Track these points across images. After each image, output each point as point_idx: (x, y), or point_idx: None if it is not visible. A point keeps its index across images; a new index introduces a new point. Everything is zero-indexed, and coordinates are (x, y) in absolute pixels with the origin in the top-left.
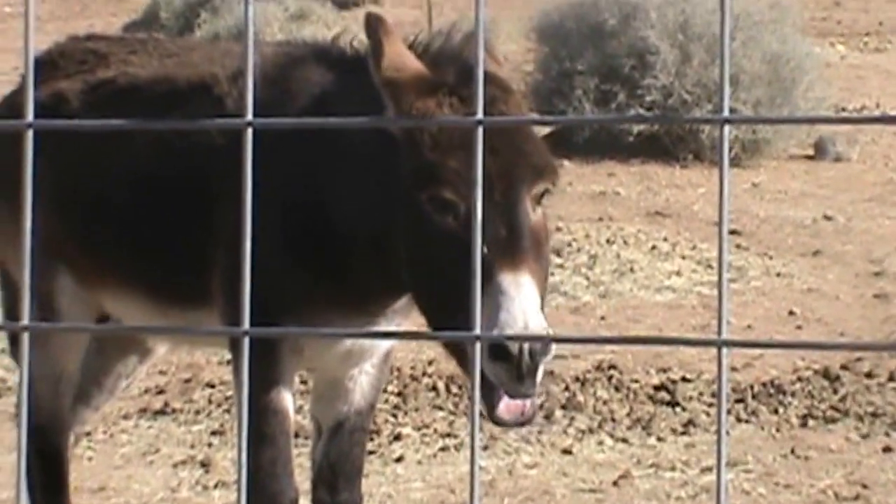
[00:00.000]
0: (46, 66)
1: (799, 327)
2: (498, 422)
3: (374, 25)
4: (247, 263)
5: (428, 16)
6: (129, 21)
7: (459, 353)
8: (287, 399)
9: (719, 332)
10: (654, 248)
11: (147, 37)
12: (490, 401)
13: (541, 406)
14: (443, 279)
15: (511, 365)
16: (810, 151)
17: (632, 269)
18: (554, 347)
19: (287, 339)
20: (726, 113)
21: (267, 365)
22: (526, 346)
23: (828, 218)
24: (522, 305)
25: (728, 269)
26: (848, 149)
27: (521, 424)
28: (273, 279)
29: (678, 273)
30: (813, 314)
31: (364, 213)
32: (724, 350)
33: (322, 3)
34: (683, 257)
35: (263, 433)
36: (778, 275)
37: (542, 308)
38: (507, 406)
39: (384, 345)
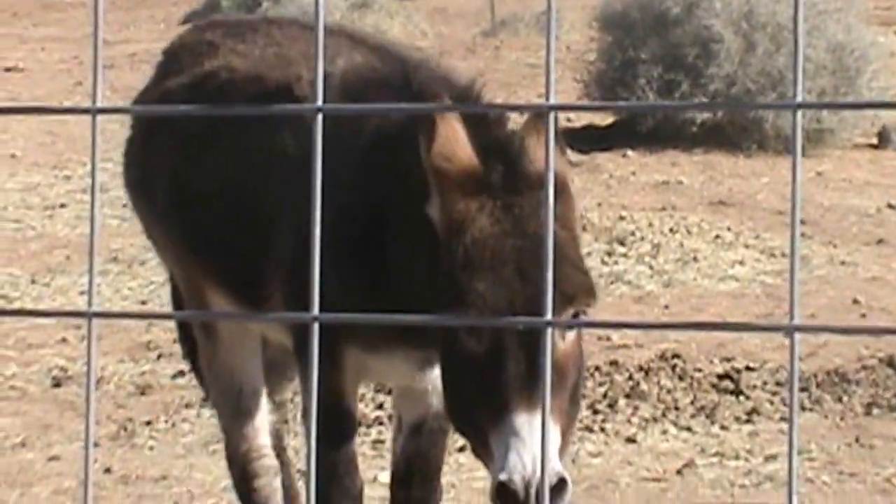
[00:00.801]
0: (169, 59)
1: (863, 316)
2: None
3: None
4: (316, 247)
5: (490, 5)
6: (191, 11)
7: (483, 462)
8: (351, 405)
9: (791, 318)
10: (717, 237)
11: (261, 21)
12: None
13: (605, 395)
14: (462, 402)
15: None
16: (874, 140)
17: (695, 259)
18: (570, 493)
19: (351, 356)
20: (799, 98)
21: (331, 375)
22: (533, 490)
23: (892, 206)
24: (534, 450)
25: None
26: None
27: None
28: (338, 302)
29: (741, 262)
30: (877, 303)
31: (416, 274)
32: (796, 336)
33: None
34: (747, 246)
35: (328, 436)
36: (842, 263)
37: (564, 443)
38: None
39: None
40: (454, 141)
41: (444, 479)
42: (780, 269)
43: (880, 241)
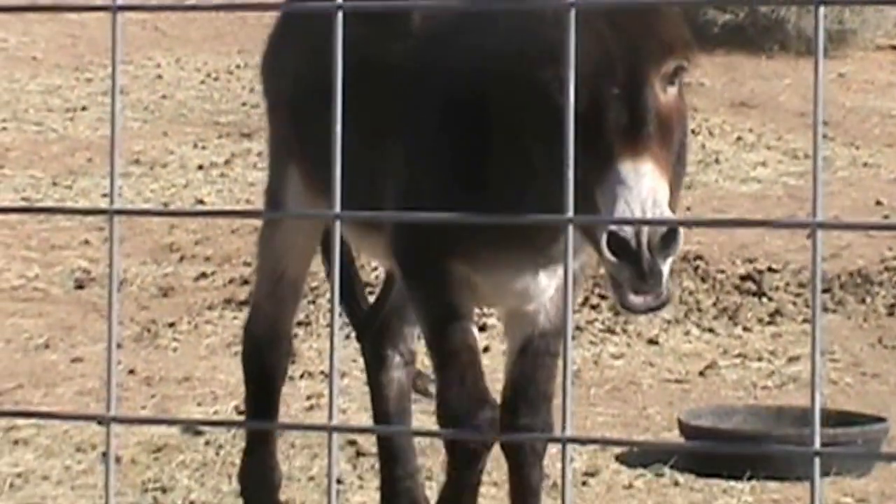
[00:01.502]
0: None
1: (886, 216)
2: (628, 309)
3: None
4: (338, 143)
5: None
6: None
7: (589, 237)
8: (466, 328)
9: (813, 214)
10: (739, 139)
11: None
12: (619, 295)
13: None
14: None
15: (632, 262)
16: None
17: (717, 161)
18: (681, 242)
19: (457, 275)
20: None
21: (440, 301)
22: (645, 239)
23: None
24: (642, 196)
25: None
26: None
27: (654, 309)
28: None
29: (764, 164)
30: None
31: (518, 115)
32: (819, 232)
33: None
34: (769, 148)
35: (448, 366)
36: (865, 165)
37: (672, 198)
38: (635, 299)
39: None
40: None
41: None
42: (802, 170)
43: None
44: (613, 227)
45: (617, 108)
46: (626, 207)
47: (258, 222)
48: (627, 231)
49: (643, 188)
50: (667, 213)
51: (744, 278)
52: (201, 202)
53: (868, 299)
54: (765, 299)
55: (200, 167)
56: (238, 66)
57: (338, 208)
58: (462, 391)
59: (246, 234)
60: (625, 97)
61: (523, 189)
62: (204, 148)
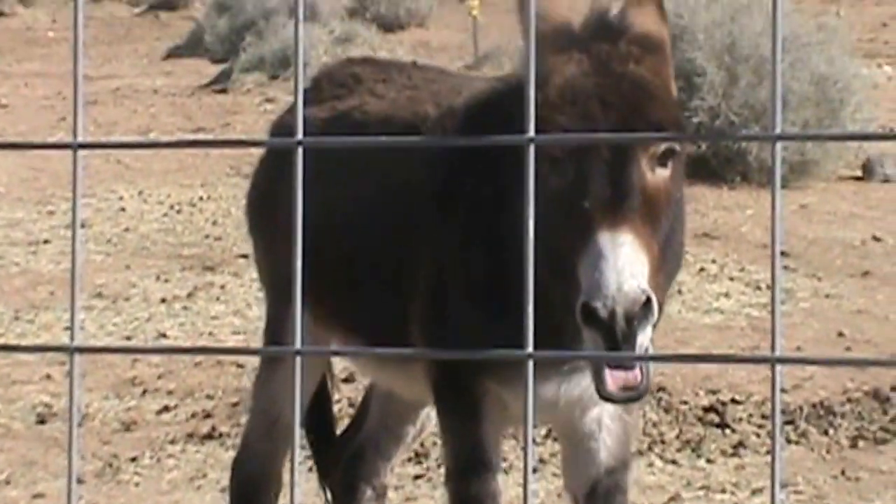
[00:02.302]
0: (314, 87)
1: (848, 349)
2: (607, 397)
3: None
4: (298, 275)
5: (473, 39)
6: (174, 45)
7: (562, 300)
8: (494, 459)
9: (773, 349)
10: (702, 269)
11: (408, 64)
12: (598, 376)
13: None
14: (547, 242)
15: (603, 331)
16: (859, 172)
17: (680, 291)
18: (656, 312)
19: (489, 393)
20: (778, 130)
21: (472, 421)
22: (620, 309)
23: (877, 239)
24: (618, 266)
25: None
26: None
27: (632, 399)
28: (472, 334)
29: (726, 295)
30: (862, 335)
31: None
32: (778, 367)
33: (367, 26)
34: (732, 279)
35: (466, 495)
36: (827, 296)
37: (658, 280)
38: (612, 379)
39: None
40: (550, 8)
41: None
42: (765, 301)
43: (865, 274)
44: (583, 299)
45: (601, 183)
46: (601, 276)
47: (220, 356)
48: (598, 302)
49: (619, 257)
50: (644, 286)
51: (707, 410)
52: (164, 336)
53: (831, 431)
54: (728, 431)
55: (163, 300)
56: (201, 199)
57: (298, 344)
58: None
59: (209, 367)
60: (609, 172)
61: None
62: (167, 281)
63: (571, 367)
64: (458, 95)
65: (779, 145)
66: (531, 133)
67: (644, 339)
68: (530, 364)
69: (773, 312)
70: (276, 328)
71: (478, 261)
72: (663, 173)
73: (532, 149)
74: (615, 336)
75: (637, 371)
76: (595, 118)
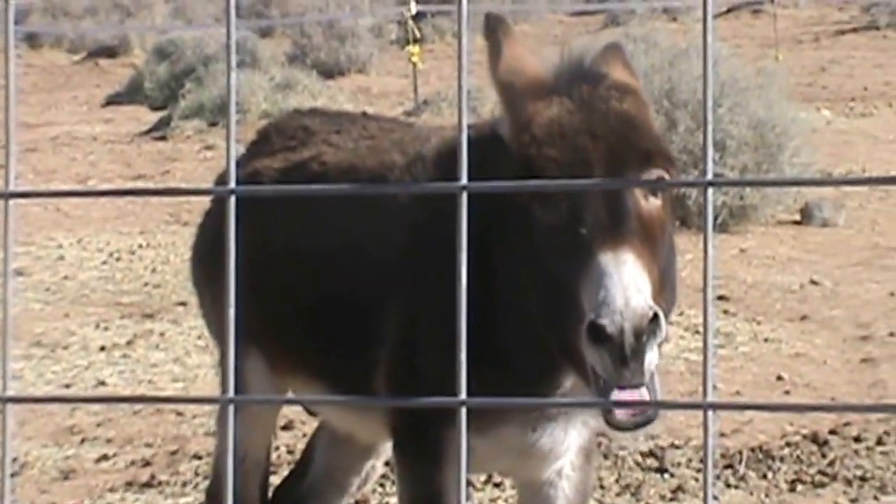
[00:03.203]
0: (262, 140)
1: (787, 392)
2: (614, 425)
3: (493, 25)
4: (231, 325)
5: (413, 85)
6: (113, 93)
7: (560, 339)
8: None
9: (704, 395)
10: None
11: (359, 115)
12: (604, 399)
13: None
14: (546, 280)
15: (612, 348)
16: (797, 217)
17: None
18: (665, 329)
19: (454, 440)
20: (709, 176)
21: (432, 468)
22: (628, 325)
23: (815, 283)
24: (623, 282)
25: (715, 335)
26: (835, 214)
27: (640, 425)
28: (440, 381)
29: (665, 339)
30: (801, 379)
31: (514, 265)
32: (710, 413)
33: (307, 73)
34: (671, 323)
35: None
36: (766, 340)
37: (656, 300)
38: (619, 402)
39: (577, 441)
40: (521, 58)
41: None
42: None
43: (804, 318)
44: (591, 317)
45: (596, 209)
46: (607, 293)
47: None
48: (605, 318)
49: (623, 274)
50: (650, 302)
51: (646, 455)
52: (103, 384)
53: (769, 475)
54: (667, 475)
55: (102, 348)
56: (140, 246)
57: (231, 392)
58: None
59: (148, 415)
60: (604, 199)
61: (521, 332)
62: (106, 329)
63: (544, 416)
64: (424, 143)
65: (710, 191)
66: (464, 181)
67: (652, 357)
68: (463, 411)
69: (704, 359)
70: (236, 372)
71: (450, 309)
72: (655, 202)
73: (465, 196)
74: (624, 353)
75: (645, 390)
76: (585, 149)
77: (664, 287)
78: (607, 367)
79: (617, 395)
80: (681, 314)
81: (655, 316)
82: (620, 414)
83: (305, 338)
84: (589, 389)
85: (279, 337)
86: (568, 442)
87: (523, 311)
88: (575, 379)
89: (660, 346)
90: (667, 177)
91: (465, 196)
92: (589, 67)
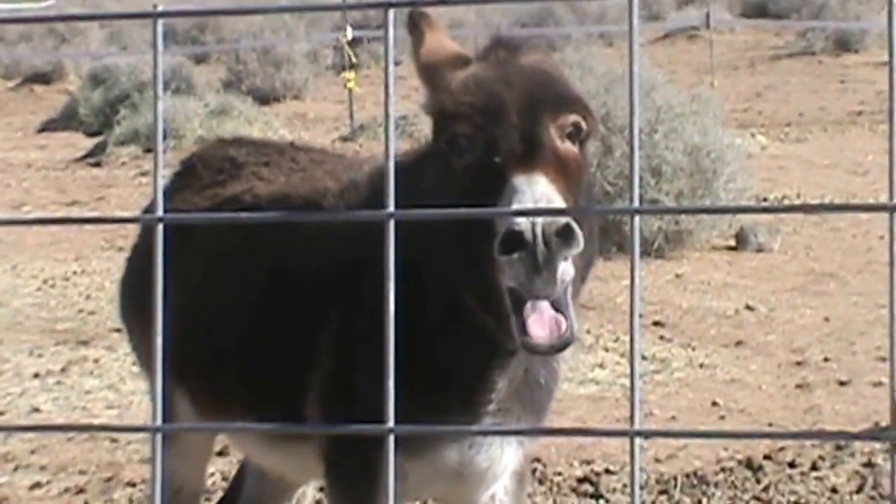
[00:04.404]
0: (187, 172)
1: (722, 417)
2: (530, 347)
3: (417, 20)
4: (159, 357)
5: (349, 111)
6: (48, 118)
7: (480, 287)
8: None
9: (631, 423)
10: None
11: (287, 145)
12: (520, 326)
13: None
14: (470, 223)
15: (525, 255)
16: (732, 242)
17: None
18: (580, 240)
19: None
20: (636, 203)
21: (366, 495)
22: (538, 229)
23: (750, 308)
24: (535, 196)
25: (651, 361)
26: (770, 239)
27: (557, 349)
28: (375, 407)
29: (601, 365)
30: (736, 405)
31: (440, 261)
32: (638, 440)
33: (243, 99)
34: (606, 349)
35: None
36: (701, 366)
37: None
38: (535, 322)
39: (512, 463)
40: (442, 41)
41: None
42: (640, 371)
43: (739, 343)
44: (508, 226)
45: (511, 140)
46: (519, 206)
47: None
48: (522, 222)
49: (536, 190)
50: (560, 219)
51: (581, 480)
52: (37, 410)
53: (704, 500)
54: (602, 501)
55: (36, 375)
56: (75, 273)
57: (159, 421)
58: None
59: (81, 442)
60: (519, 132)
61: (453, 335)
62: (40, 356)
63: (477, 439)
64: (356, 171)
65: (637, 218)
66: (391, 209)
67: (566, 269)
68: (391, 438)
69: (631, 386)
70: (163, 408)
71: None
72: (572, 148)
73: (392, 224)
74: (537, 260)
75: (563, 319)
76: (499, 94)
77: (581, 229)
78: (519, 276)
79: (529, 306)
80: (616, 340)
81: (567, 225)
82: (537, 335)
83: (233, 373)
84: (510, 335)
85: (206, 375)
86: (504, 462)
87: (454, 312)
88: (510, 377)
89: (575, 265)
90: (583, 123)
91: (392, 223)
92: (507, 39)
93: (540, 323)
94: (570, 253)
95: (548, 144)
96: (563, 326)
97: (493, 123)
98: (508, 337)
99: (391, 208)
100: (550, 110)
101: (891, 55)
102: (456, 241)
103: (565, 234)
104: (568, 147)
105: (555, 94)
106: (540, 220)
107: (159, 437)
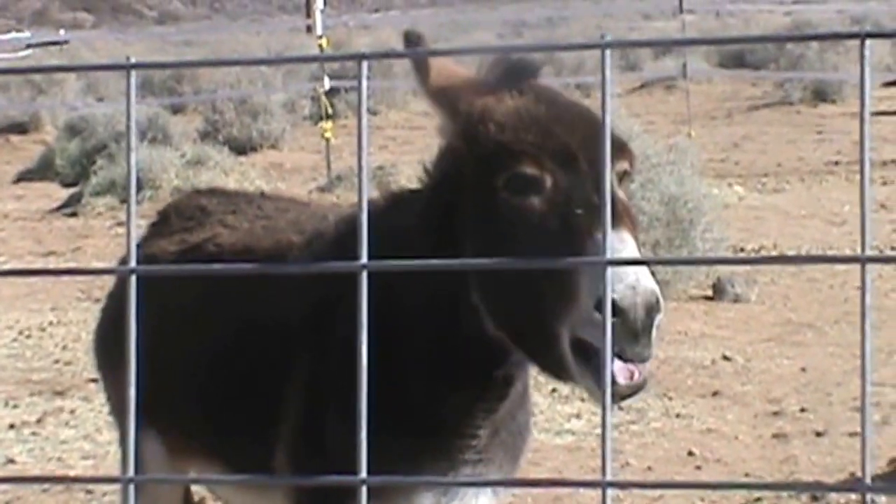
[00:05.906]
0: (161, 221)
1: (699, 468)
2: (616, 394)
3: (415, 42)
4: (131, 405)
5: (327, 161)
6: (24, 169)
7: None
8: None
9: (603, 474)
10: (553, 390)
11: (256, 195)
12: (594, 373)
13: None
14: (534, 275)
15: (624, 322)
16: (709, 292)
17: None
18: (663, 308)
19: None
20: (609, 255)
21: None
22: (640, 300)
23: (727, 358)
24: (637, 267)
25: (627, 410)
26: (747, 289)
27: (635, 392)
28: (346, 457)
29: (577, 416)
30: (712, 455)
31: (428, 292)
32: (610, 491)
33: (219, 149)
34: (583, 400)
35: None
36: (677, 416)
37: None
38: (619, 370)
39: (483, 500)
40: (448, 66)
41: None
42: (616, 422)
43: (715, 393)
44: (615, 297)
45: (585, 190)
46: (617, 270)
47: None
48: (627, 295)
49: (628, 251)
50: (651, 279)
51: None
52: (13, 461)
53: None
54: None
55: (12, 426)
56: (51, 323)
57: (131, 472)
58: None
59: (57, 493)
60: (591, 182)
61: (431, 384)
62: (15, 406)
63: (452, 488)
64: (321, 221)
65: (609, 270)
66: (364, 260)
67: (655, 336)
68: (363, 490)
69: (602, 437)
70: (135, 455)
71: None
72: (624, 195)
73: (365, 275)
74: (636, 327)
75: (641, 366)
76: (562, 138)
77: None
78: (618, 341)
79: (620, 366)
80: None
81: (657, 297)
82: (620, 378)
83: (203, 421)
84: (571, 378)
85: (177, 421)
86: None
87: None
88: (494, 423)
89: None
90: (629, 168)
91: (365, 275)
92: (525, 65)
93: (622, 371)
94: (660, 318)
95: (621, 197)
96: (639, 374)
97: (564, 169)
98: (568, 378)
99: (364, 259)
100: (612, 155)
101: (862, 118)
102: (509, 279)
103: (658, 305)
104: (624, 196)
105: (613, 139)
106: (641, 291)
107: (132, 487)
